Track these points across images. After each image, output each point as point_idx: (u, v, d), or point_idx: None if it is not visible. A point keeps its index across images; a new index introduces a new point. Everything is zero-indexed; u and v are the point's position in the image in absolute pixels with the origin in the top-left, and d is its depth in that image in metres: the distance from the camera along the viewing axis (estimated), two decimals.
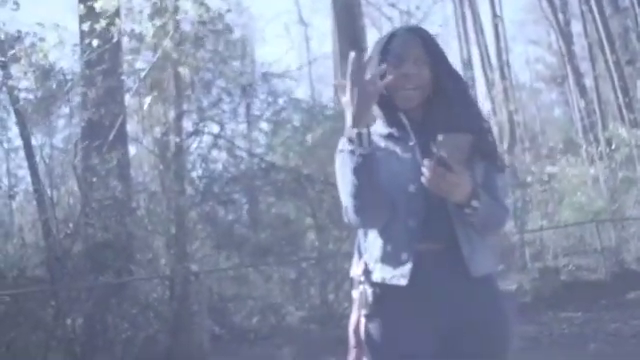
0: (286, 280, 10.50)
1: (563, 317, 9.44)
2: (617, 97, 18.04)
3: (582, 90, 19.85)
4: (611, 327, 8.26)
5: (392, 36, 2.15)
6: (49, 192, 8.73)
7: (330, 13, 14.91)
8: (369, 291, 2.07)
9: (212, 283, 9.96)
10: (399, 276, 2.03)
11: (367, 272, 2.10)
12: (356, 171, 1.97)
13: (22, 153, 9.38)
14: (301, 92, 19.67)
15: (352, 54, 1.98)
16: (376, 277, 2.08)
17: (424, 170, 1.91)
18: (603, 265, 11.83)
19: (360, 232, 2.21)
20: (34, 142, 8.97)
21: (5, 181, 11.64)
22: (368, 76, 1.98)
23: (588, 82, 20.63)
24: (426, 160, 1.91)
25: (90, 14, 8.07)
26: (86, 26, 8.02)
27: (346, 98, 1.97)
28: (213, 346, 8.33)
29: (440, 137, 1.88)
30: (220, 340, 9.06)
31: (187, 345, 8.65)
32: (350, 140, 1.98)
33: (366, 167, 1.96)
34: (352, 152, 1.97)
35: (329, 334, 8.02)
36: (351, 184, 1.99)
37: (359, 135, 1.96)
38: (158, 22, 8.17)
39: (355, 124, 1.96)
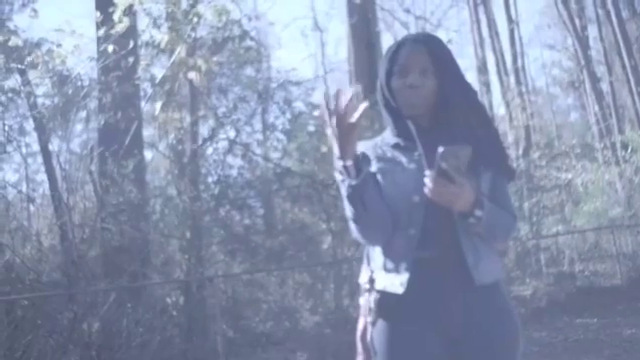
0: (301, 285, 10.53)
1: (578, 323, 9.39)
2: (634, 101, 17.92)
3: (598, 95, 19.73)
4: (627, 333, 8.22)
5: (400, 46, 2.17)
6: (66, 197, 8.81)
7: (345, 19, 14.97)
8: (372, 299, 2.12)
9: (227, 288, 10.01)
10: (397, 284, 2.06)
11: (371, 280, 2.14)
12: (349, 200, 2.01)
13: (40, 158, 9.48)
14: (317, 97, 19.70)
15: (325, 95, 1.98)
16: (378, 285, 2.12)
17: (426, 181, 1.95)
18: (619, 271, 11.76)
19: None
20: (51, 147, 9.08)
21: (23, 186, 11.76)
22: (343, 111, 1.94)
23: (604, 86, 20.51)
24: (427, 172, 1.95)
25: (107, 20, 8.16)
26: (102, 32, 8.11)
27: (329, 132, 1.98)
28: (227, 350, 8.36)
29: (440, 149, 1.91)
30: (234, 344, 9.09)
31: (202, 349, 8.69)
32: (339, 172, 2.01)
33: (357, 196, 2.00)
34: (342, 182, 2.01)
35: (343, 339, 8.01)
36: (347, 209, 2.05)
37: (345, 168, 1.99)
38: (174, 28, 8.24)
39: (341, 157, 1.99)
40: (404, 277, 2.05)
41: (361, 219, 2.03)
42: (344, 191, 2.01)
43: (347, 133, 1.95)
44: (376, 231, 2.08)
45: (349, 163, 1.99)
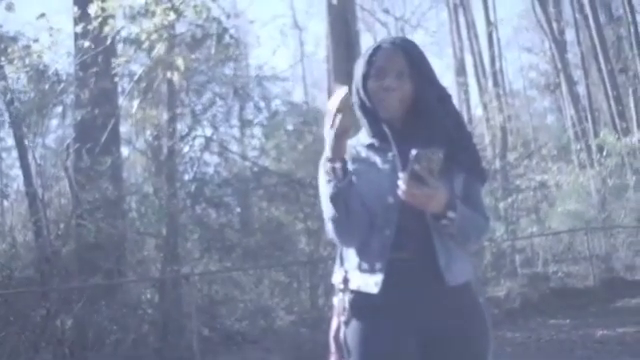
0: (276, 284, 10.52)
1: (551, 323, 9.50)
2: (610, 105, 18.15)
3: (575, 98, 19.94)
4: (598, 334, 8.32)
5: (376, 49, 2.18)
6: (41, 192, 8.73)
7: (325, 17, 14.96)
8: (346, 299, 2.13)
9: (202, 286, 9.97)
10: (372, 284, 2.08)
11: (346, 280, 2.15)
12: (333, 201, 2.03)
13: (15, 153, 9.38)
14: (295, 96, 19.72)
15: (343, 90, 1.98)
16: (352, 285, 2.13)
17: (399, 183, 1.97)
18: (592, 272, 11.90)
19: None
20: (27, 142, 8.98)
21: None
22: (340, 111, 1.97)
23: (581, 90, 20.73)
24: (401, 173, 1.97)
25: (84, 16, 8.08)
26: (80, 28, 8.03)
27: (328, 129, 2.00)
28: (202, 348, 8.33)
29: (413, 152, 1.93)
30: (209, 342, 9.06)
31: (176, 347, 8.65)
32: (327, 173, 2.03)
33: (341, 197, 2.02)
34: (328, 182, 2.03)
35: (319, 338, 8.01)
36: (328, 210, 2.06)
37: (334, 169, 2.01)
38: (152, 24, 8.17)
39: (332, 158, 2.01)
40: (379, 277, 2.07)
41: (341, 221, 2.05)
42: (329, 192, 2.03)
43: (341, 134, 1.98)
44: (354, 233, 2.09)
45: (338, 165, 2.01)
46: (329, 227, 2.11)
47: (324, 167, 2.05)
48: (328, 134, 2.00)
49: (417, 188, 1.94)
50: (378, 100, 2.15)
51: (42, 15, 8.01)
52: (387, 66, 2.14)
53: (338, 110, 1.96)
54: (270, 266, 10.39)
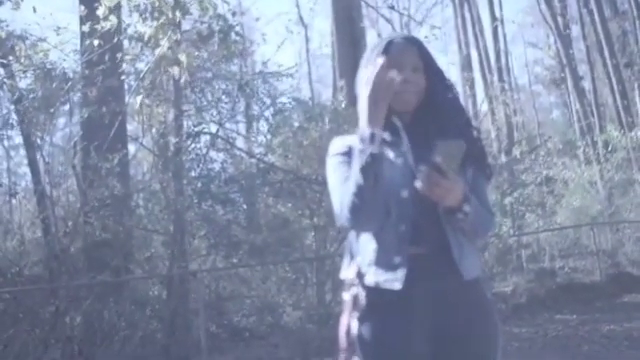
0: (283, 280, 10.54)
1: (558, 319, 9.49)
2: (615, 100, 18.11)
3: (580, 93, 19.89)
4: (605, 329, 8.32)
5: (389, 43, 2.20)
6: (49, 190, 8.77)
7: (330, 14, 14.97)
8: (362, 294, 2.11)
9: (210, 282, 10.00)
10: (393, 280, 2.06)
11: (360, 275, 2.13)
12: (363, 170, 2.00)
13: (23, 151, 9.42)
14: (301, 93, 19.70)
15: (381, 59, 2.03)
16: (369, 280, 2.11)
17: (419, 176, 1.96)
18: (598, 267, 11.89)
19: (352, 235, 2.24)
20: (34, 140, 9.02)
21: (6, 179, 11.67)
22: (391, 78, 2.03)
23: (586, 85, 20.68)
24: (421, 166, 1.97)
25: (91, 15, 8.10)
26: (86, 27, 8.05)
27: (365, 97, 2.02)
28: (210, 345, 8.36)
29: (437, 143, 1.93)
30: (217, 339, 9.10)
31: (184, 343, 8.69)
32: (362, 140, 2.02)
33: (374, 167, 2.00)
34: (362, 151, 2.01)
35: (326, 334, 8.05)
36: (354, 183, 2.03)
37: (372, 135, 2.01)
38: (158, 21, 8.19)
39: (370, 123, 2.02)
40: (400, 273, 2.05)
41: (367, 194, 2.02)
42: (361, 161, 2.01)
43: (384, 99, 2.01)
44: (373, 211, 2.06)
45: (378, 131, 2.02)
46: (348, 205, 2.06)
47: (360, 134, 2.03)
48: (367, 102, 2.02)
49: (437, 180, 1.94)
50: (395, 93, 2.12)
51: (49, 15, 8.04)
52: (403, 60, 2.15)
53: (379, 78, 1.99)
54: (277, 262, 10.40)
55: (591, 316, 9.33)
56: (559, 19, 19.85)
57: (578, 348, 7.57)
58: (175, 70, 8.62)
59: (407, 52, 2.17)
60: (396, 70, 2.08)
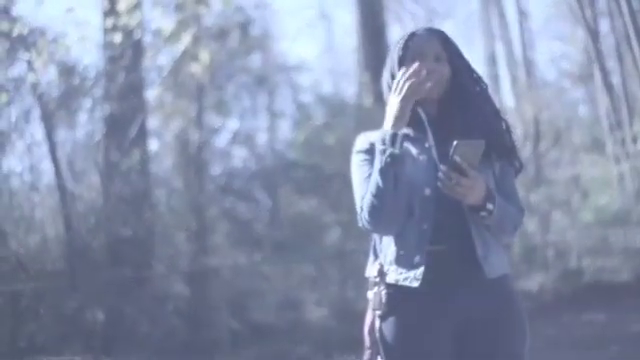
0: (306, 277, 10.52)
1: (585, 318, 9.37)
2: None
3: (609, 88, 19.60)
4: (634, 329, 8.21)
5: (411, 35, 2.20)
6: (71, 186, 8.80)
7: (353, 8, 14.89)
8: (383, 292, 2.11)
9: (231, 279, 10.00)
10: (412, 278, 2.06)
11: (382, 273, 2.14)
12: (382, 171, 2.00)
13: (44, 147, 9.44)
14: (324, 88, 19.64)
15: (417, 65, 2.04)
16: (390, 279, 2.11)
17: (439, 175, 1.96)
18: (627, 267, 11.71)
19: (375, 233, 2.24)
20: (56, 136, 9.05)
21: (27, 175, 11.72)
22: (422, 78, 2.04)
23: (615, 80, 20.37)
24: (441, 165, 1.97)
25: (113, 10, 8.11)
26: (109, 22, 8.06)
27: (394, 97, 2.03)
28: (231, 341, 8.36)
29: (455, 142, 1.93)
30: (238, 335, 9.09)
31: (206, 340, 8.69)
32: (383, 140, 2.01)
33: (394, 168, 1.99)
34: (382, 152, 2.00)
35: (348, 332, 7.99)
36: (374, 184, 2.02)
37: (394, 136, 2.00)
38: (179, 16, 8.19)
39: (394, 124, 2.02)
40: (419, 271, 2.05)
41: (386, 195, 2.01)
42: (381, 162, 2.00)
43: (410, 98, 2.02)
44: (393, 213, 2.06)
45: (400, 132, 2.03)
46: (368, 207, 2.06)
47: (382, 135, 2.03)
48: (393, 102, 2.03)
49: (457, 180, 1.93)
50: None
51: (70, 10, 8.05)
52: (424, 50, 2.15)
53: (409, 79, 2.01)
54: (299, 259, 10.38)
55: (619, 316, 9.17)
56: (587, 12, 19.57)
57: (606, 348, 7.46)
58: (196, 65, 8.63)
59: (429, 42, 2.17)
60: (418, 61, 2.08)
